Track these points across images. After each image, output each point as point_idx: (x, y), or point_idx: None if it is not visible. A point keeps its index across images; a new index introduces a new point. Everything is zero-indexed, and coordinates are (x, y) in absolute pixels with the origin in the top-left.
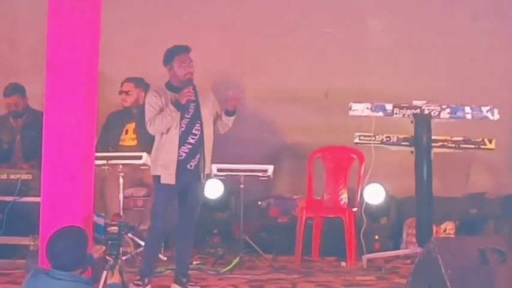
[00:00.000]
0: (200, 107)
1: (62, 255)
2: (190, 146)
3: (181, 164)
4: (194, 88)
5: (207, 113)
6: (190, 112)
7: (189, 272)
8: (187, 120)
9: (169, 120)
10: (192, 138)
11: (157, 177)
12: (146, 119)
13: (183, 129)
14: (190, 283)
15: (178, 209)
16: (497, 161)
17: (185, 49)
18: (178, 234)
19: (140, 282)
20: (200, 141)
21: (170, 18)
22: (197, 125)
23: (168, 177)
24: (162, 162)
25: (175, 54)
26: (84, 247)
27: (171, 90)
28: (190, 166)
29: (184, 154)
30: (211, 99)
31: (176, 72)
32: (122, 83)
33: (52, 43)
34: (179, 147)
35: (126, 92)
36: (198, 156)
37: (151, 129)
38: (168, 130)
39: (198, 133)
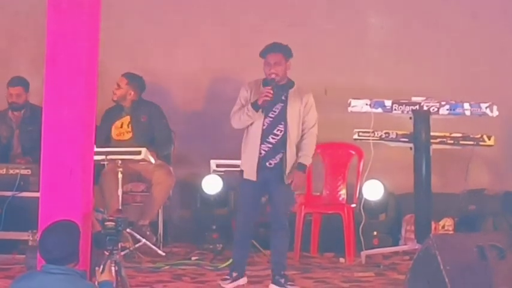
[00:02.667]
0: (287, 108)
1: (54, 249)
2: (270, 145)
3: (261, 161)
4: (275, 88)
5: (294, 115)
6: (275, 112)
7: (285, 272)
8: (271, 119)
9: (247, 119)
10: (273, 138)
11: (241, 172)
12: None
13: (264, 127)
14: (289, 283)
15: (269, 209)
16: (497, 158)
17: (275, 48)
18: (271, 235)
19: (228, 276)
20: (282, 141)
21: (171, 13)
22: (280, 125)
23: (250, 173)
24: (245, 157)
25: (267, 51)
26: (76, 240)
27: (265, 84)
28: (270, 164)
29: (264, 152)
30: (303, 101)
31: (264, 69)
32: (121, 76)
33: (52, 37)
34: (260, 145)
35: (118, 85)
36: (279, 155)
37: (231, 123)
38: (251, 126)
39: (280, 134)
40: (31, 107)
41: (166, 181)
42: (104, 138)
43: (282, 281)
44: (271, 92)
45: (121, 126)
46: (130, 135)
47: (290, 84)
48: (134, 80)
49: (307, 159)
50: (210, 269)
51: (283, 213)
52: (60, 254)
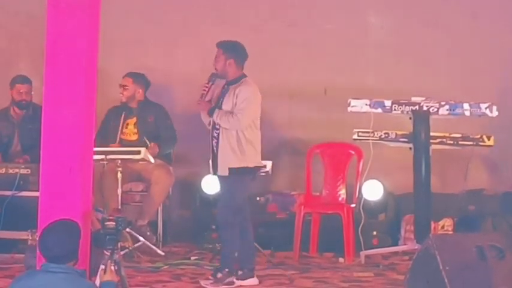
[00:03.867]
0: (223, 101)
1: (54, 247)
2: (216, 139)
3: (215, 158)
4: (226, 85)
5: (227, 108)
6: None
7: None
8: None
9: (202, 117)
10: (216, 132)
11: None
12: None
13: (212, 122)
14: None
15: None
16: (496, 158)
17: (217, 45)
18: None
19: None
20: (220, 136)
21: (171, 13)
22: None
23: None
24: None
25: None
26: (76, 239)
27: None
28: None
29: (215, 148)
30: (235, 93)
31: None
32: (123, 77)
33: (51, 37)
34: (212, 140)
35: (124, 87)
36: None
37: None
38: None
39: (219, 126)
40: (33, 106)
41: (165, 180)
42: (113, 138)
43: (219, 275)
44: (207, 86)
45: (126, 127)
46: (136, 136)
47: (236, 80)
48: (138, 77)
49: (218, 112)
50: (210, 269)
51: (223, 207)
52: (61, 252)
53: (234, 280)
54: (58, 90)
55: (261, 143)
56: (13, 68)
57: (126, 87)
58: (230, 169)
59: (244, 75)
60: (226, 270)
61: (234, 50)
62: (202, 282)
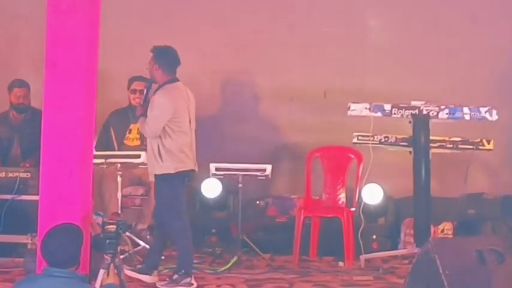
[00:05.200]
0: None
1: (56, 252)
2: None
3: None
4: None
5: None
6: None
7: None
8: None
9: None
10: None
11: None
12: None
13: None
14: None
15: None
16: (496, 162)
17: (150, 50)
18: None
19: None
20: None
21: (171, 14)
22: None
23: None
24: None
25: None
26: (79, 244)
27: None
28: None
29: None
30: (151, 101)
31: None
32: (132, 81)
33: (51, 40)
34: None
35: (141, 91)
36: None
37: None
38: None
39: None
40: (32, 110)
41: None
42: (115, 143)
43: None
44: (142, 92)
45: (130, 132)
46: (138, 142)
47: (161, 86)
48: (148, 80)
49: (140, 120)
50: (210, 273)
51: (161, 212)
52: (63, 257)
53: (193, 282)
54: (58, 92)
55: (261, 147)
56: (13, 71)
57: (142, 93)
58: (155, 175)
59: (171, 81)
60: (183, 271)
61: (162, 56)
62: (158, 284)
